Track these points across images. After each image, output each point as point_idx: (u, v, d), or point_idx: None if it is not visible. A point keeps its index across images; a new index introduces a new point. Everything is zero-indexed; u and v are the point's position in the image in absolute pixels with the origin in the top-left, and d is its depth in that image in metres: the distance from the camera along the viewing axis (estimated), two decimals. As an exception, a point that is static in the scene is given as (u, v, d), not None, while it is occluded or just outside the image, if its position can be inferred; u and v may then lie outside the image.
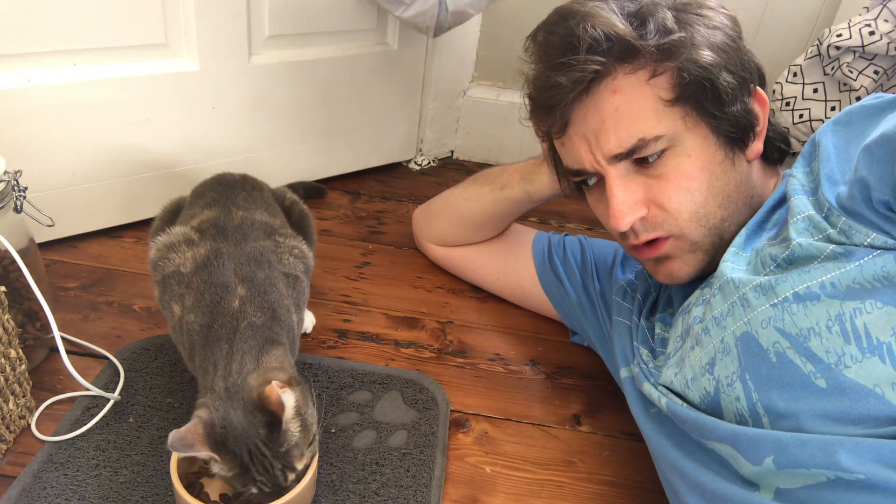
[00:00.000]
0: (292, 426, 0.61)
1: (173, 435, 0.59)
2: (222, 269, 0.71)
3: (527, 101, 0.75)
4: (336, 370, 0.86)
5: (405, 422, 0.80)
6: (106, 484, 0.68)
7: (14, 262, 0.69)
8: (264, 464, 0.60)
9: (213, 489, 0.68)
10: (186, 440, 0.59)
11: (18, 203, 0.73)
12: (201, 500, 0.64)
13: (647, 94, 0.67)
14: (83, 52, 0.95)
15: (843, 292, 0.53)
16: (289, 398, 0.60)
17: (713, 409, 0.60)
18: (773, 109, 1.22)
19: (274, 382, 0.60)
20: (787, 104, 1.21)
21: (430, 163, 1.49)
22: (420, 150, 1.49)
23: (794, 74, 1.19)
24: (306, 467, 0.64)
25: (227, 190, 0.82)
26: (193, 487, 0.67)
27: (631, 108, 0.67)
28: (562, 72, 0.67)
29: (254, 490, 0.61)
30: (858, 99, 1.11)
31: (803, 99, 1.19)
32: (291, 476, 0.62)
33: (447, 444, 0.79)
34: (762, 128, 0.71)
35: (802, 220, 0.59)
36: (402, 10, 1.11)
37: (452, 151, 1.53)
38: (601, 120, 0.68)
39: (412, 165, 1.47)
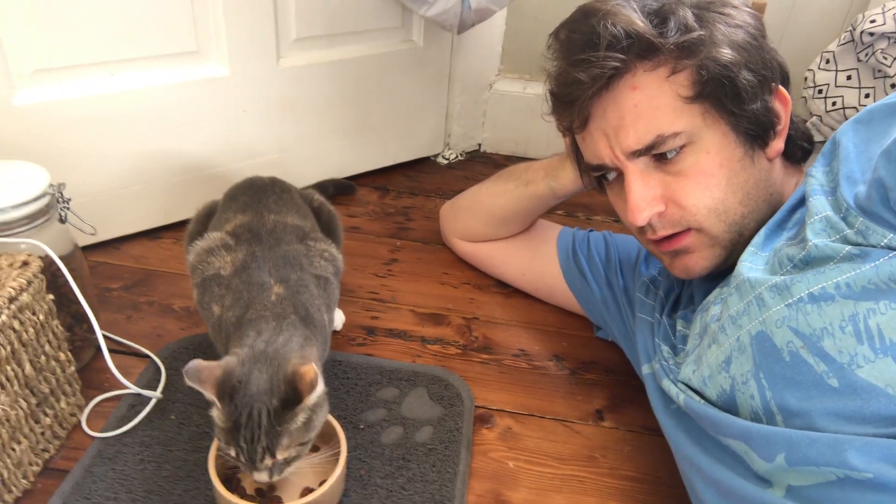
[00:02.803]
0: (301, 415, 0.63)
1: (195, 363, 0.62)
2: (259, 272, 0.75)
3: (548, 96, 0.77)
4: (364, 367, 0.90)
5: (431, 418, 0.83)
6: (150, 478, 0.73)
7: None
8: (254, 432, 0.61)
9: (249, 484, 0.72)
10: (201, 375, 0.62)
11: (63, 214, 0.77)
12: (237, 494, 0.68)
13: (666, 90, 0.67)
14: (120, 63, 0.99)
15: (857, 293, 0.53)
16: (321, 386, 0.63)
17: (729, 406, 0.61)
18: (805, 97, 1.20)
19: (311, 368, 0.62)
20: (820, 91, 1.19)
21: (457, 156, 1.50)
22: (448, 145, 1.50)
23: (827, 61, 1.16)
24: (285, 461, 0.64)
25: (258, 194, 0.86)
26: (230, 482, 0.71)
27: (650, 104, 0.68)
28: (582, 68, 0.69)
29: (232, 453, 0.63)
30: (894, 86, 1.09)
31: (836, 86, 1.16)
32: (268, 461, 0.62)
33: (471, 439, 0.81)
34: (783, 126, 0.71)
35: (820, 220, 0.59)
36: (425, 8, 1.13)
37: (480, 145, 1.54)
38: (620, 116, 0.69)
39: (440, 160, 1.49)
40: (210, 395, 0.63)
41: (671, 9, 0.68)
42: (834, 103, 1.17)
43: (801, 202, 0.68)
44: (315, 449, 0.76)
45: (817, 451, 0.52)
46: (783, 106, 0.70)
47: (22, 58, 0.90)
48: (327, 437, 0.75)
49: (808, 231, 0.59)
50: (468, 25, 1.17)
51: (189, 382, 0.62)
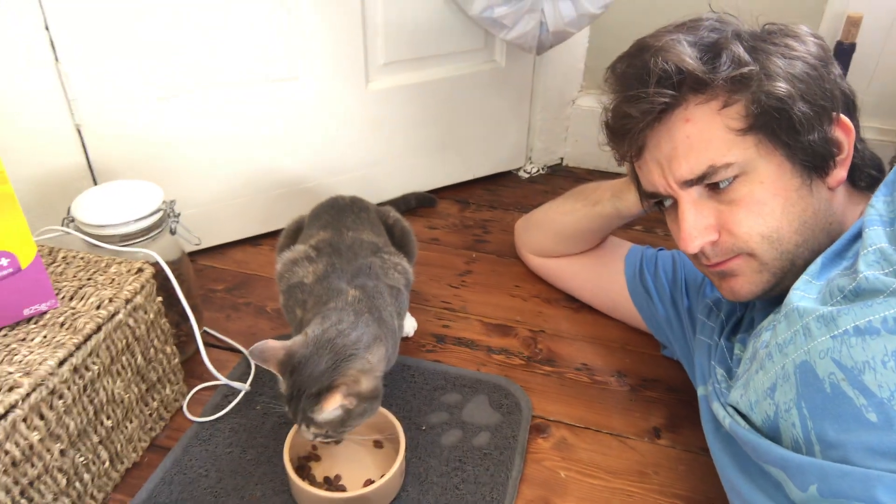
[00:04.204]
0: (326, 415, 0.72)
1: (261, 344, 0.73)
2: (338, 280, 0.83)
3: (603, 127, 0.80)
4: (431, 372, 0.96)
5: (489, 424, 0.88)
6: (236, 460, 0.83)
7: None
8: (299, 402, 0.72)
9: (319, 472, 0.81)
10: (265, 355, 0.73)
11: (173, 227, 0.89)
12: (308, 481, 0.76)
13: (717, 123, 0.69)
14: (226, 87, 1.11)
15: None
16: (327, 414, 0.71)
17: (773, 433, 0.62)
18: None
19: (340, 397, 0.70)
20: (920, 108, 1.13)
21: (539, 171, 1.54)
22: (529, 159, 1.54)
23: (928, 76, 1.10)
24: (325, 435, 0.74)
25: (339, 213, 0.94)
26: (303, 469, 0.80)
27: (702, 136, 0.69)
28: (633, 103, 0.72)
29: (286, 407, 0.74)
30: None
31: (938, 102, 1.10)
32: (304, 427, 0.73)
33: (526, 447, 0.86)
34: (846, 155, 0.70)
35: (873, 252, 0.59)
36: (504, 32, 1.18)
37: (562, 159, 1.57)
38: (673, 147, 0.71)
39: (521, 174, 1.53)
40: (275, 371, 0.73)
41: (725, 43, 0.69)
42: (935, 121, 1.11)
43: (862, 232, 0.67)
44: (379, 445, 0.84)
45: (848, 485, 0.53)
46: (846, 135, 0.70)
47: (149, 88, 1.04)
48: (390, 434, 0.81)
49: (860, 262, 0.59)
50: (547, 47, 1.21)
51: (253, 360, 0.72)
